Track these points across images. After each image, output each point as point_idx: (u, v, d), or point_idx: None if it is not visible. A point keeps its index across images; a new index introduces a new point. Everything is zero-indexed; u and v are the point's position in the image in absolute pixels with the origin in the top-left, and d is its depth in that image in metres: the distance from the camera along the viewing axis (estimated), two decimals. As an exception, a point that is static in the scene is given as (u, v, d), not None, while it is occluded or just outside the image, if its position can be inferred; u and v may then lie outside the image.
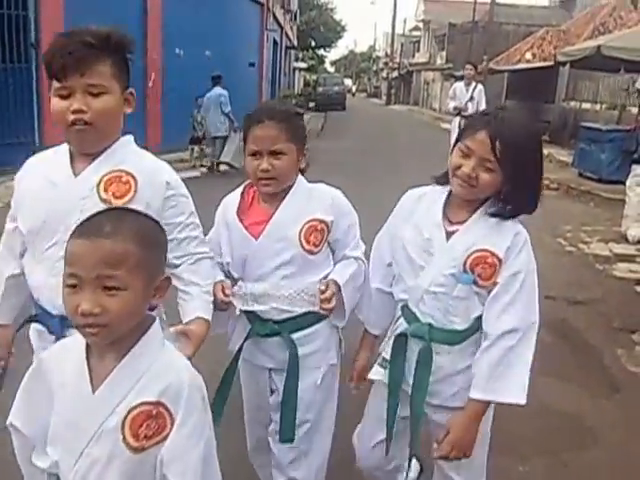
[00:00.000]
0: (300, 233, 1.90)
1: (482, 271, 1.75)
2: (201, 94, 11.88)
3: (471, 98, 9.78)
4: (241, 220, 1.98)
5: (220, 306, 1.89)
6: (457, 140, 1.78)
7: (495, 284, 1.77)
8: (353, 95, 51.66)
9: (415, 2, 52.04)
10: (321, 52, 59.32)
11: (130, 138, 1.86)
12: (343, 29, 58.25)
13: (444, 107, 39.68)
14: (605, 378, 3.69)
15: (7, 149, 9.25)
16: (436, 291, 1.81)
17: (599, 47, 10.27)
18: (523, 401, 1.78)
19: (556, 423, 3.20)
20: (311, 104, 29.59)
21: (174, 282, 1.74)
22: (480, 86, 10.02)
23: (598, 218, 8.11)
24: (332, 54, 78.39)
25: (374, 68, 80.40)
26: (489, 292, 1.79)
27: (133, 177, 1.71)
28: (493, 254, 1.75)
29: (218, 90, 11.53)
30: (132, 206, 1.58)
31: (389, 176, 9.85)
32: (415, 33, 55.60)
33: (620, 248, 6.62)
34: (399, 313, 1.96)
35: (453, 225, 1.82)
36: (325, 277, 1.96)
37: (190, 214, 1.86)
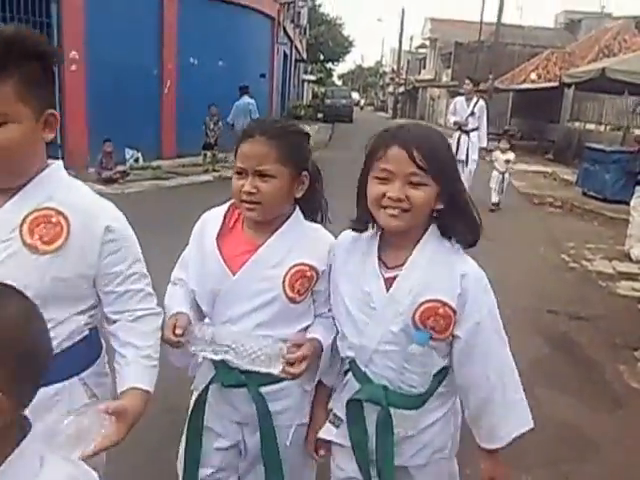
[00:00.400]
0: (286, 276, 1.63)
1: (435, 324, 1.50)
2: (213, 102, 12.08)
3: (472, 113, 9.49)
4: (220, 248, 1.68)
5: (172, 345, 1.60)
6: (364, 173, 1.56)
7: (454, 336, 1.54)
8: (361, 108, 51.44)
9: (422, 20, 52.46)
10: (329, 65, 59.92)
11: (59, 165, 1.48)
12: (351, 44, 58.93)
13: (449, 123, 39.90)
14: (607, 393, 3.66)
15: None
16: (386, 350, 1.55)
17: (604, 70, 10.34)
18: (532, 425, 1.62)
19: (558, 435, 3.17)
20: (319, 115, 29.91)
21: (111, 342, 1.53)
22: (482, 102, 9.73)
23: (602, 236, 8.10)
24: (340, 68, 78.80)
25: (381, 83, 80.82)
26: (450, 344, 1.56)
27: (65, 217, 1.38)
28: (445, 304, 1.50)
29: (246, 99, 12.31)
30: (63, 253, 1.36)
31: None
32: (421, 50, 55.99)
33: (623, 266, 6.61)
34: (347, 367, 1.69)
35: (391, 270, 1.56)
36: (304, 330, 1.70)
37: (133, 262, 1.51)
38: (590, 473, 2.90)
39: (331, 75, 66.60)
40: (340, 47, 57.48)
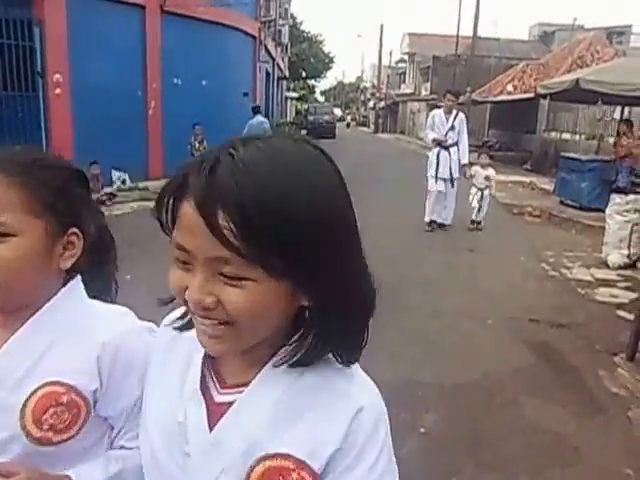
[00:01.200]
0: (27, 404, 1.02)
1: None
2: (197, 122, 12.24)
3: (451, 127, 8.82)
4: None
5: None
6: None
7: None
8: (348, 125, 48.68)
9: (400, 35, 53.10)
10: (312, 82, 60.38)
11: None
12: (332, 60, 59.39)
13: (427, 139, 40.27)
14: (588, 399, 3.81)
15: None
16: None
17: (577, 80, 10.62)
18: None
19: (541, 441, 3.31)
20: (303, 132, 30.14)
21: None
22: (462, 115, 9.06)
23: (580, 244, 8.32)
24: (322, 84, 79.24)
25: (362, 98, 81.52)
26: None
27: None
28: (307, 466, 0.81)
29: (260, 118, 13.52)
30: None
31: (375, 202, 10.02)
32: (401, 65, 56.65)
33: (601, 273, 6.80)
34: None
35: (228, 391, 0.88)
36: None
37: None
38: (572, 478, 3.03)
39: (313, 92, 67.03)
40: (321, 64, 57.94)
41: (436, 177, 8.89)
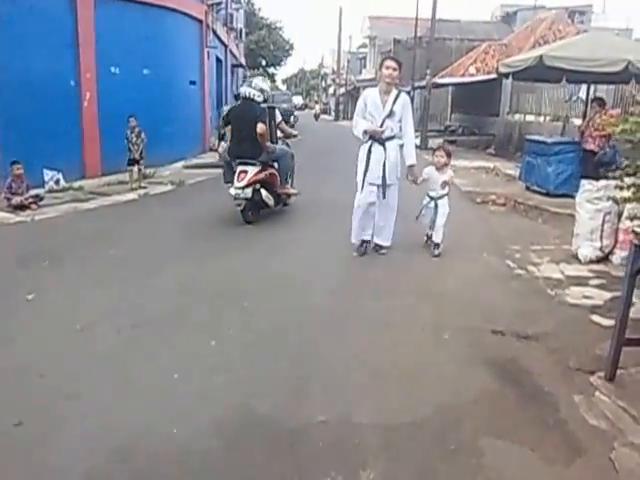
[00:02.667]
0: None
1: None
2: (132, 113, 11.28)
3: (390, 113, 6.21)
4: None
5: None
6: None
7: None
8: (317, 118, 46.20)
9: (361, 19, 52.28)
10: (272, 70, 59.42)
11: None
12: (292, 47, 58.67)
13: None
14: (563, 437, 3.12)
15: None
16: None
17: (541, 57, 9.97)
18: None
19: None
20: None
21: None
22: (405, 96, 6.37)
23: (547, 236, 7.69)
24: (283, 72, 78.06)
25: (323, 85, 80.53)
26: None
27: None
28: None
29: None
30: None
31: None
32: (363, 50, 55.86)
33: (572, 269, 6.17)
34: None
35: None
36: None
37: None
38: None
39: (274, 80, 65.99)
40: (281, 51, 57.07)
41: (363, 183, 6.37)
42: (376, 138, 6.28)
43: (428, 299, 5.16)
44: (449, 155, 6.80)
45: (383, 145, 6.29)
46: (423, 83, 23.03)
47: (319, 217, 8.63)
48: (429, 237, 6.85)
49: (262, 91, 8.14)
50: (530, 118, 18.08)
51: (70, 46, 11.55)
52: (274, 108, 8.74)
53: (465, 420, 3.25)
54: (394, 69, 6.13)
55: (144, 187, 11.45)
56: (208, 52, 18.29)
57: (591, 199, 6.54)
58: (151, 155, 12.15)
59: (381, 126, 6.24)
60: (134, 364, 3.81)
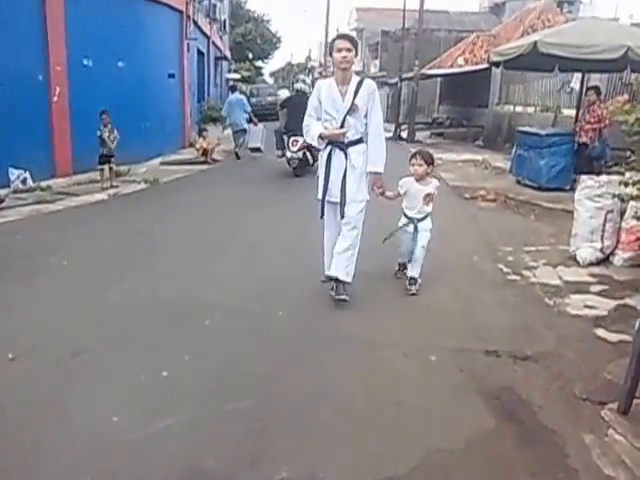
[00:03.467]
0: None
1: None
2: (105, 109, 10.63)
3: (352, 109, 4.62)
4: None
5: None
6: None
7: None
8: None
9: (348, 11, 51.65)
10: (259, 64, 58.68)
11: None
12: (279, 40, 58.06)
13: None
14: (573, 492, 2.60)
15: None
16: None
17: (535, 43, 9.43)
18: None
19: None
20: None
21: None
22: (370, 83, 4.73)
23: (541, 234, 7.18)
24: (270, 65, 77.01)
25: (310, 78, 79.84)
26: None
27: None
28: None
29: (237, 95, 15.97)
30: None
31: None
32: (349, 43, 55.14)
33: (571, 273, 5.65)
34: None
35: None
36: None
37: None
38: None
39: (261, 74, 65.11)
40: (268, 44, 56.36)
41: (323, 201, 4.84)
42: (336, 143, 4.73)
43: (411, 314, 4.62)
44: (430, 162, 5.05)
45: (345, 152, 4.70)
46: (411, 74, 22.47)
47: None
48: (402, 267, 5.32)
49: (308, 86, 11.83)
50: (519, 109, 17.60)
51: (37, 37, 10.83)
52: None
53: (455, 473, 2.71)
54: (348, 50, 4.53)
55: (116, 186, 10.84)
56: (188, 44, 17.61)
57: (592, 196, 6.01)
58: (127, 151, 11.52)
59: (342, 126, 4.66)
60: (67, 404, 3.22)
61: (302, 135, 6.72)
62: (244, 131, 15.46)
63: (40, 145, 11.06)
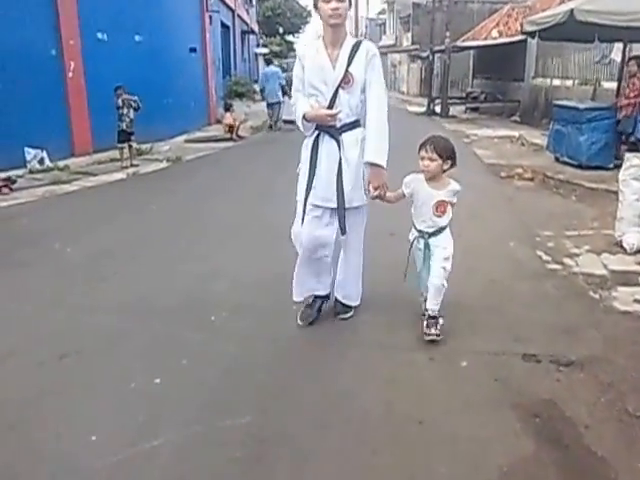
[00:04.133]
0: None
1: None
2: (122, 84, 10.29)
3: (345, 80, 3.45)
4: None
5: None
6: None
7: None
8: None
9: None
10: (290, 38, 57.95)
11: None
12: (309, 14, 57.03)
13: (412, 89, 38.41)
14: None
15: None
16: None
17: (572, 11, 8.74)
18: None
19: None
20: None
21: None
22: (367, 45, 3.52)
23: (583, 217, 6.61)
24: (302, 40, 76.06)
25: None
26: None
27: None
28: None
29: (273, 68, 16.20)
30: None
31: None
32: (382, 16, 54.06)
33: (616, 261, 5.10)
34: None
35: None
36: None
37: None
38: None
39: (293, 49, 64.26)
40: (299, 18, 55.47)
41: (305, 203, 3.64)
42: (324, 127, 3.55)
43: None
44: (447, 155, 3.48)
45: (337, 139, 3.54)
46: (442, 47, 21.68)
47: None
48: (429, 315, 3.65)
49: None
50: (557, 82, 16.76)
51: (48, 10, 10.48)
52: None
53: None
54: (335, 9, 3.33)
55: (136, 165, 10.56)
56: (210, 17, 17.12)
57: (638, 176, 5.44)
58: (148, 129, 11.23)
59: (331, 105, 3.48)
60: (40, 420, 2.84)
61: None
62: (279, 104, 15.57)
63: (57, 123, 10.79)
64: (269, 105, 15.86)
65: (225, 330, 3.82)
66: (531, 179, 8.88)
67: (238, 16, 25.00)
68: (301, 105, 3.56)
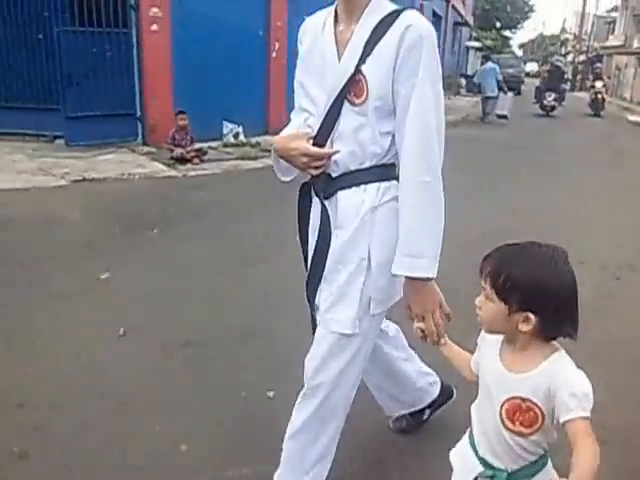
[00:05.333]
0: None
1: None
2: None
3: (349, 83, 1.68)
4: None
5: None
6: None
7: None
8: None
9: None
10: (507, 33, 55.73)
11: None
12: (531, 9, 54.48)
13: (636, 96, 34.61)
14: None
15: (109, 121, 8.86)
16: None
17: None
18: None
19: None
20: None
21: None
22: (412, 22, 1.63)
23: None
24: (519, 36, 72.75)
25: (562, 51, 73.73)
26: None
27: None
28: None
29: (491, 64, 16.83)
30: None
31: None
32: (613, 14, 49.62)
33: None
34: None
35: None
36: None
37: None
38: None
39: (509, 45, 61.44)
40: (519, 12, 53.08)
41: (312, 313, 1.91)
42: (311, 179, 1.84)
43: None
44: (524, 303, 1.32)
45: (322, 201, 1.79)
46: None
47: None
48: None
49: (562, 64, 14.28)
50: None
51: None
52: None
53: None
54: None
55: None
56: (422, 4, 16.64)
57: None
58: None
59: (324, 134, 1.74)
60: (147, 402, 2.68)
61: (554, 91, 12.53)
62: (494, 98, 16.41)
63: (256, 100, 11.09)
64: (486, 99, 16.66)
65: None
66: None
67: (452, 7, 24.20)
68: (287, 128, 1.93)
